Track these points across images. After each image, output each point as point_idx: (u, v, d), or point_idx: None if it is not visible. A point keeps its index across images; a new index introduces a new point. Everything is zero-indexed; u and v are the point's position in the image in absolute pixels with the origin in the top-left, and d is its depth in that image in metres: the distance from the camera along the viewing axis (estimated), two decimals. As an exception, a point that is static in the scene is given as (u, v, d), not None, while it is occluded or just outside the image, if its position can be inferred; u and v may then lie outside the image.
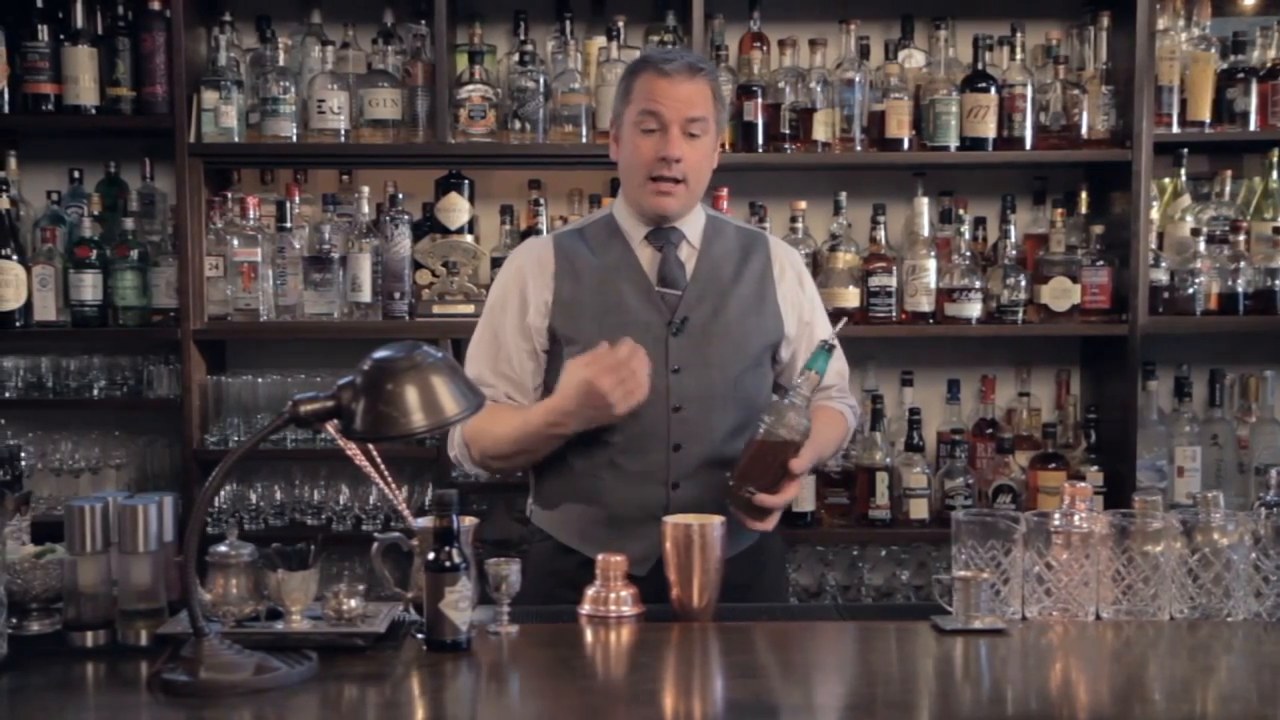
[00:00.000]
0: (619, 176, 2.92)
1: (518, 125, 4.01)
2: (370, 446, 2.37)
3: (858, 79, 4.03)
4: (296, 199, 4.09)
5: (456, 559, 2.23)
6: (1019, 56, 4.07)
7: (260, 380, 4.00)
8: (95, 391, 4.08)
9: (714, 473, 2.76)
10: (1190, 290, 4.06)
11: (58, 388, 4.07)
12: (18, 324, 3.96)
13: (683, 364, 2.77)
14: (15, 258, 3.93)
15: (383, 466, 2.40)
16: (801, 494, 4.00)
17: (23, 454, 3.95)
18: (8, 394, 4.04)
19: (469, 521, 2.37)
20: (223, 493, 3.98)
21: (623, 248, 2.85)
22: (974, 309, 4.02)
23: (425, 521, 2.32)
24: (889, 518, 4.05)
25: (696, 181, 2.81)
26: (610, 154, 2.91)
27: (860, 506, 4.07)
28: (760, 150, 4.02)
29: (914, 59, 4.18)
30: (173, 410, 4.02)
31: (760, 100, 4.00)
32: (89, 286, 3.97)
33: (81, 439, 4.05)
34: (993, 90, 4.00)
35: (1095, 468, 4.04)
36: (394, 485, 2.41)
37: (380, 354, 2.13)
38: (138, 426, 4.13)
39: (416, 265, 4.04)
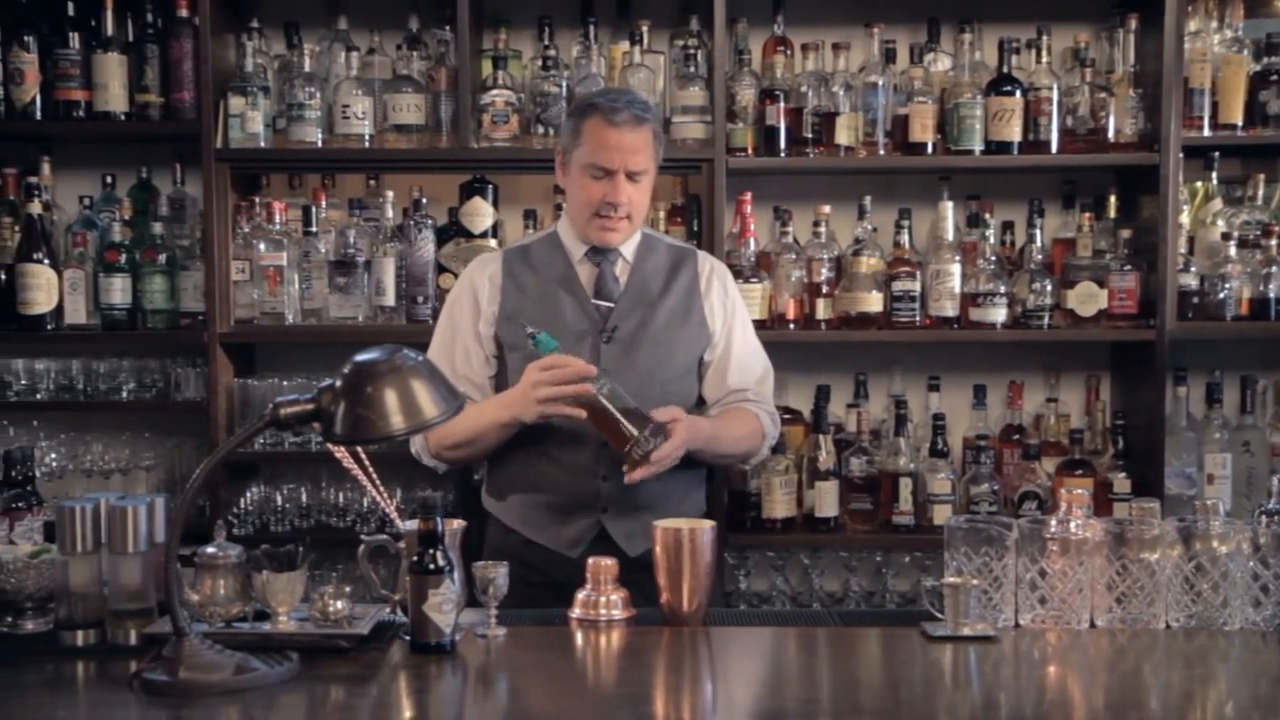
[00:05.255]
0: (566, 201, 3.16)
1: (541, 130, 4.02)
2: (359, 449, 2.39)
3: (881, 82, 4.00)
4: (323, 204, 4.12)
5: (440, 561, 2.24)
6: (1045, 59, 4.02)
7: (285, 383, 4.03)
8: (124, 394, 4.11)
9: None
10: (1221, 295, 4.00)
11: (88, 390, 4.11)
12: (49, 327, 4.02)
13: (612, 370, 2.90)
14: (46, 261, 3.99)
15: (370, 468, 2.41)
16: (825, 499, 3.99)
17: (54, 455, 4.03)
18: (39, 395, 4.09)
19: (455, 524, 2.38)
20: (248, 495, 4.02)
21: (564, 263, 3.10)
22: (999, 314, 3.98)
23: (414, 524, 2.34)
24: (913, 523, 4.01)
25: (638, 215, 3.07)
26: (557, 178, 3.15)
27: (884, 512, 4.04)
28: (783, 155, 4.01)
29: (940, 63, 4.15)
30: (200, 412, 4.05)
31: (783, 104, 3.98)
32: (118, 290, 4.02)
33: (112, 440, 4.10)
34: (1018, 93, 3.96)
35: (1123, 474, 3.98)
36: (382, 488, 2.43)
37: (361, 357, 2.15)
38: (166, 428, 4.17)
39: (440, 269, 4.06)
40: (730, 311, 3.16)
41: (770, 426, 3.15)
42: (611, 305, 3.04)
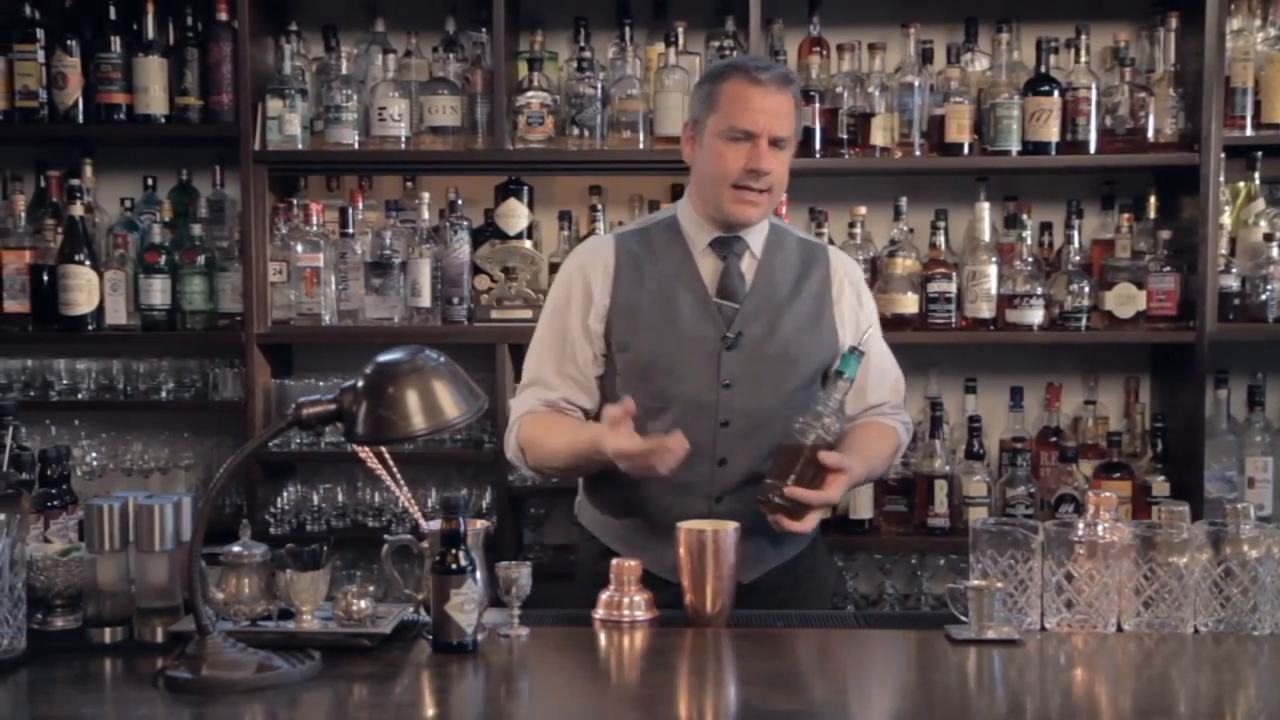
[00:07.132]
0: (693, 179, 2.86)
1: (576, 131, 4.02)
2: (383, 449, 2.40)
3: (917, 83, 3.98)
4: (360, 205, 4.15)
5: (463, 561, 2.25)
6: (1083, 59, 3.99)
7: (322, 384, 4.05)
8: (164, 394, 4.16)
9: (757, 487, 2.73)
10: (1263, 297, 3.95)
11: (128, 390, 4.17)
12: (90, 327, 4.06)
13: (734, 379, 2.74)
14: (88, 263, 4.03)
15: (394, 468, 2.42)
16: (859, 501, 3.98)
17: (94, 454, 4.08)
18: (80, 395, 4.15)
19: (478, 524, 2.39)
20: (285, 494, 4.06)
21: (684, 254, 2.82)
22: (1036, 315, 3.95)
23: (438, 524, 2.35)
24: (948, 526, 3.99)
25: (778, 191, 2.82)
26: (684, 156, 2.86)
27: (919, 514, 4.03)
28: (818, 155, 3.99)
29: (978, 63, 4.12)
30: (238, 413, 4.08)
31: (818, 105, 3.97)
32: (158, 291, 4.06)
33: (151, 440, 4.14)
34: (1056, 93, 3.93)
35: (1162, 478, 3.94)
36: (407, 488, 2.44)
37: (383, 357, 2.17)
38: (205, 428, 4.21)
39: (476, 270, 4.07)
40: (870, 320, 2.91)
41: (905, 436, 2.98)
42: (736, 306, 2.77)
